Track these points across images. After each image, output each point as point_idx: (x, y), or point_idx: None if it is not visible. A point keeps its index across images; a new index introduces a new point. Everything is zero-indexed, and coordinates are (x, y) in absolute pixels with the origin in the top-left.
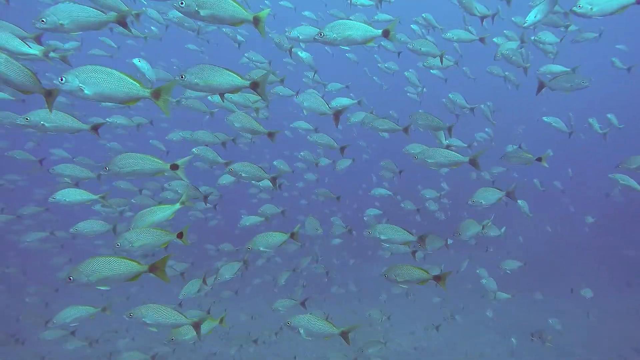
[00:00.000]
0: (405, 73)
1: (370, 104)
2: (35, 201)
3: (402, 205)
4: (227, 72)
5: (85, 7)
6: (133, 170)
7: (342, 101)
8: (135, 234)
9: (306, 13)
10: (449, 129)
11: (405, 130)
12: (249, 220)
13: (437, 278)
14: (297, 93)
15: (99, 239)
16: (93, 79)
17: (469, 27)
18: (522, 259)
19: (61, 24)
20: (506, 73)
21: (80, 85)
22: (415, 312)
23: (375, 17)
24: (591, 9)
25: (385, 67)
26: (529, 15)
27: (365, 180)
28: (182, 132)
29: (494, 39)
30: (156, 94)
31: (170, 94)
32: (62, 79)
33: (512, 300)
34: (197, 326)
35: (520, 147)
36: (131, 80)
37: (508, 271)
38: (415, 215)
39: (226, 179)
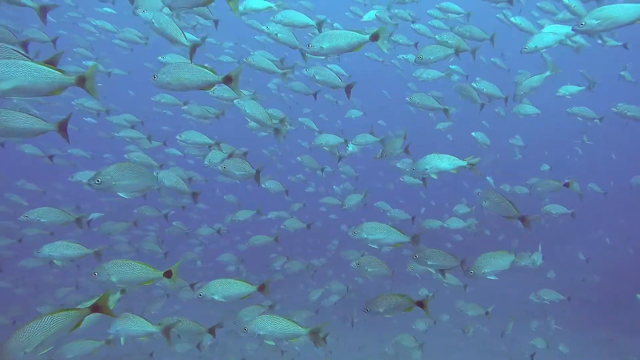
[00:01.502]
0: (423, 74)
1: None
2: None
3: (424, 225)
4: (199, 68)
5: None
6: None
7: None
8: (116, 266)
9: (320, 16)
10: (445, 111)
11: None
12: (257, 239)
13: (420, 304)
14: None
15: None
16: (7, 74)
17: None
18: (591, 282)
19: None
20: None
21: None
22: (452, 340)
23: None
24: (598, 24)
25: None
26: (531, 41)
27: (405, 195)
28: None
29: (511, 18)
30: (81, 81)
31: (94, 79)
32: None
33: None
34: (166, 332)
35: (550, 168)
36: (50, 69)
37: (546, 302)
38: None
39: (243, 215)
